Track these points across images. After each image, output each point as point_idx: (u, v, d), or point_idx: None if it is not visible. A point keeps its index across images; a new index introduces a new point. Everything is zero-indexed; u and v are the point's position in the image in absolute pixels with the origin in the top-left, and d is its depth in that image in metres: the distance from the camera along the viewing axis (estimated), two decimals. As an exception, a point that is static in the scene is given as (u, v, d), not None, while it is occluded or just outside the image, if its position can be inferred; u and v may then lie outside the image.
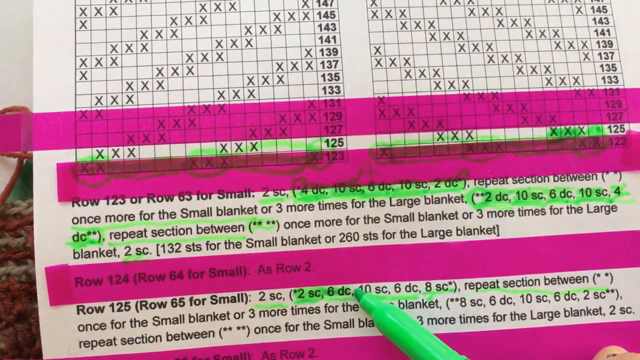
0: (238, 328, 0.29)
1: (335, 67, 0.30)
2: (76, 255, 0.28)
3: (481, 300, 0.30)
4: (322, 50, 0.30)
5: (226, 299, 0.29)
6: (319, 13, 0.31)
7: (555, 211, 0.30)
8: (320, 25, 0.30)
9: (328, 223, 0.30)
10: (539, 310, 0.30)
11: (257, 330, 0.29)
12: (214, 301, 0.29)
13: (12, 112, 0.30)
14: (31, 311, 0.29)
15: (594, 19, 0.31)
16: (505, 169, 0.30)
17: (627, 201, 0.30)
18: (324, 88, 0.30)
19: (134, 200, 0.29)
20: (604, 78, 0.31)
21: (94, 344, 0.28)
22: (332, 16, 0.31)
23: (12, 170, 0.30)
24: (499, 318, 0.30)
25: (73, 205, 0.29)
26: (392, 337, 0.27)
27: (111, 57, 0.30)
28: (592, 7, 0.31)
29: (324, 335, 0.29)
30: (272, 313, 0.29)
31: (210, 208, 0.29)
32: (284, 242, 0.29)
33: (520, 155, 0.30)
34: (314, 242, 0.29)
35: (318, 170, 0.30)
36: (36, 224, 0.28)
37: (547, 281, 0.30)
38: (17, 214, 0.30)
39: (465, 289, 0.30)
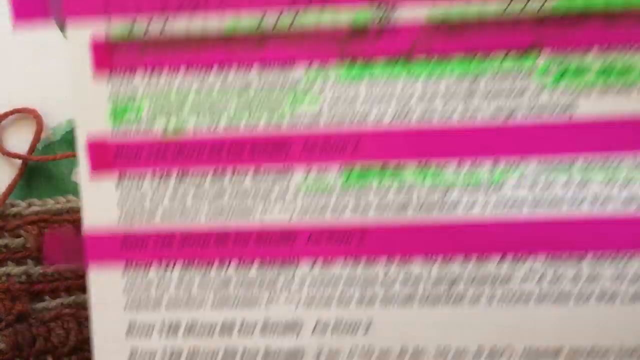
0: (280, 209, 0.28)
1: None
2: (114, 130, 0.28)
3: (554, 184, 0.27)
4: None
5: (269, 172, 0.28)
6: None
7: None
8: None
9: (378, 100, 0.27)
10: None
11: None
12: (256, 175, 0.28)
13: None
14: (31, 311, 0.29)
15: None
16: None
17: None
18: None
19: (171, 73, 0.27)
20: None
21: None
22: None
23: (16, 171, 0.30)
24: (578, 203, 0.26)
25: (108, 82, 0.28)
26: None
27: None
28: None
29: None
30: (320, 190, 0.28)
31: (250, 82, 0.27)
32: (329, 119, 0.27)
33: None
34: (362, 119, 0.27)
35: (367, 44, 0.27)
36: (75, 101, 0.28)
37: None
38: (17, 214, 0.30)
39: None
